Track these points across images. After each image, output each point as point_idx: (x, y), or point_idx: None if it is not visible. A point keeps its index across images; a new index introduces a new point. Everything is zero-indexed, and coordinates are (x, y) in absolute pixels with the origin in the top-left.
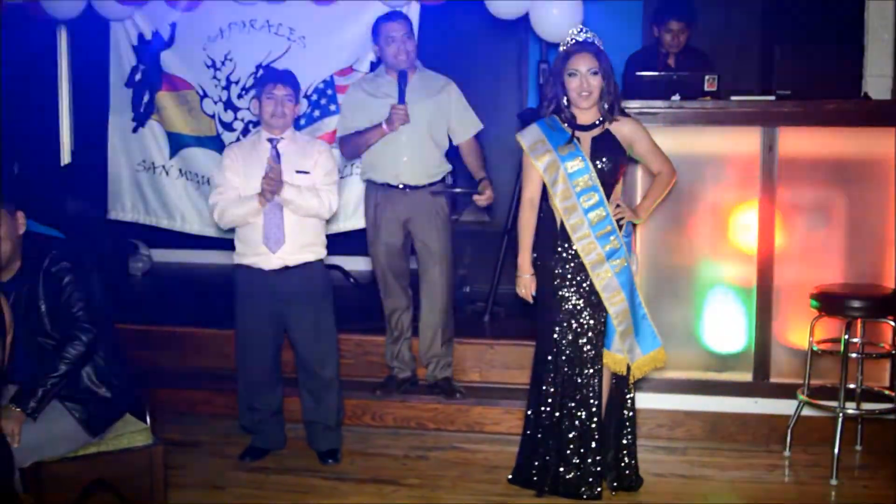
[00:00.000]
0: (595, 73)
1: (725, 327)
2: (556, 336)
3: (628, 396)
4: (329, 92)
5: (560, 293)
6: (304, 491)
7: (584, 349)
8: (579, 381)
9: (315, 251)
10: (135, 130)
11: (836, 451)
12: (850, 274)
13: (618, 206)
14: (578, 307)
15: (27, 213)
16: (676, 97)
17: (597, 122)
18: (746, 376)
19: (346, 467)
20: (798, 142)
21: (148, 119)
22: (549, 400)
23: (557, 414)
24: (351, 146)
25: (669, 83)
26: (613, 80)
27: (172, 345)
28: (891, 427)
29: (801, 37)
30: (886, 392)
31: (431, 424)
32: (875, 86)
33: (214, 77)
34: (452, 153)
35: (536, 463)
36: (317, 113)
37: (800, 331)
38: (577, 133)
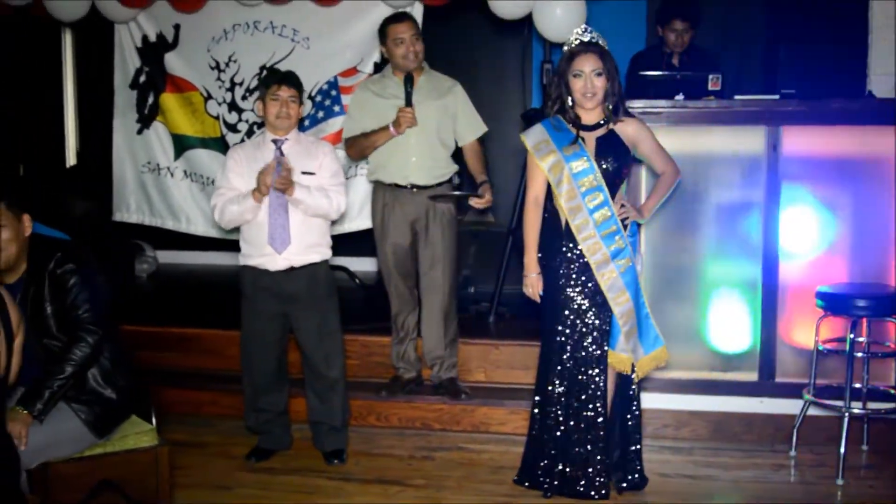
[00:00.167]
0: (599, 74)
1: (730, 327)
2: (561, 336)
3: (634, 396)
4: (333, 93)
5: (565, 293)
6: (309, 491)
7: (590, 349)
8: (585, 381)
9: (320, 252)
10: (139, 132)
11: (842, 450)
12: (855, 273)
13: (622, 205)
14: (584, 307)
15: (32, 216)
16: (680, 97)
17: (601, 123)
18: (752, 376)
19: (351, 468)
20: (802, 141)
21: (152, 121)
22: (555, 400)
23: (563, 414)
24: (358, 148)
25: (673, 83)
26: (618, 81)
27: (178, 346)
28: None
29: (805, 36)
30: (892, 391)
31: (437, 425)
32: (879, 84)
33: (218, 78)
34: (453, 154)
35: (542, 463)
36: (321, 114)
37: (805, 330)
38: (582, 133)
